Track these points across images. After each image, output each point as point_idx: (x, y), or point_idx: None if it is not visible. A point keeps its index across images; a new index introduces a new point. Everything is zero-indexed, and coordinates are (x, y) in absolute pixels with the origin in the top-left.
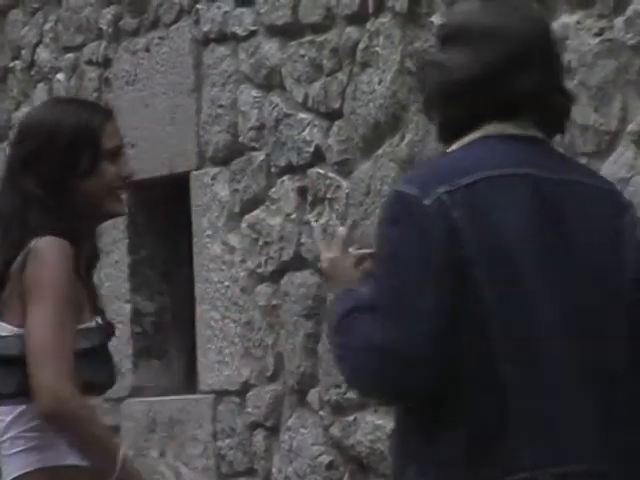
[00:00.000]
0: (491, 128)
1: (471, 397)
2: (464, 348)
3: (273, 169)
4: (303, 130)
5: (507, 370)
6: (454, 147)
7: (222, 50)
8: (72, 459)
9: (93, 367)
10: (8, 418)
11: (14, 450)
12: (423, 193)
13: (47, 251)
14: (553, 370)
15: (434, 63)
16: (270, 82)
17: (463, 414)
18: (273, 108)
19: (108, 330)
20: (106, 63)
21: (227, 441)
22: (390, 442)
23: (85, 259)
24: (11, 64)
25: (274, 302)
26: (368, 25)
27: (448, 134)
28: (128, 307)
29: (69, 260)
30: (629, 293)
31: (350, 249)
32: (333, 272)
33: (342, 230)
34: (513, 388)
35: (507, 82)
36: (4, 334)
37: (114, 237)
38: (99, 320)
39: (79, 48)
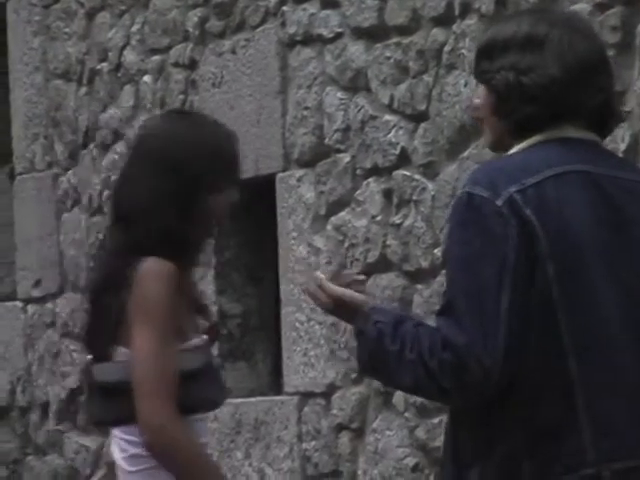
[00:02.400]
0: (552, 132)
1: (535, 393)
2: (532, 344)
3: (358, 171)
4: (389, 132)
5: (572, 366)
6: (515, 150)
7: (308, 52)
8: None
9: (201, 387)
10: (130, 437)
11: (135, 468)
12: (494, 194)
13: (151, 276)
14: (617, 366)
15: (508, 65)
16: (356, 84)
17: (527, 410)
18: (359, 110)
19: (212, 334)
20: (192, 65)
21: (312, 443)
22: (444, 439)
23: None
24: (98, 66)
25: None
26: (454, 27)
27: (517, 135)
28: (214, 309)
29: (173, 283)
30: None
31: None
32: (334, 311)
33: (319, 274)
34: (578, 384)
35: (581, 88)
36: (123, 359)
37: None
38: (203, 337)
39: (165, 50)
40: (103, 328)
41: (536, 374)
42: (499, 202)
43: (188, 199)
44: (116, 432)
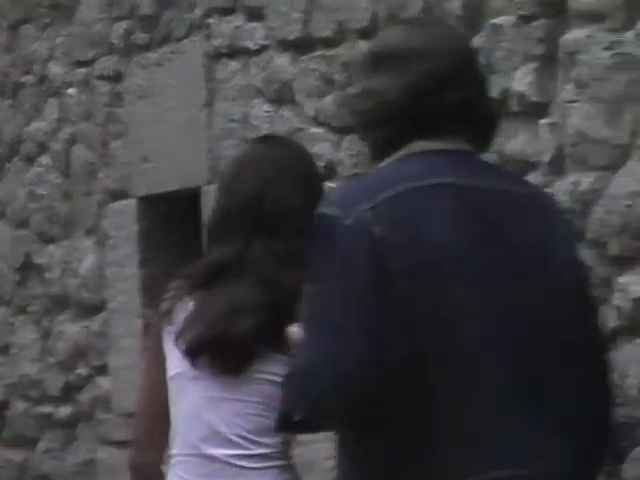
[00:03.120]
0: (417, 145)
1: (401, 410)
2: (393, 363)
3: None
4: (315, 144)
5: (436, 380)
6: (382, 165)
7: (234, 64)
8: None
9: None
10: (260, 439)
11: (261, 465)
12: (345, 213)
13: None
14: (481, 379)
15: (363, 89)
16: (281, 96)
17: (395, 427)
18: (284, 122)
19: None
20: (118, 78)
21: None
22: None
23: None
24: (22, 79)
25: None
26: None
27: (379, 155)
28: (140, 322)
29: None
30: (562, 291)
31: None
32: None
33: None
34: (442, 398)
35: (430, 101)
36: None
37: (126, 252)
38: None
39: (91, 63)
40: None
41: (401, 391)
42: (348, 221)
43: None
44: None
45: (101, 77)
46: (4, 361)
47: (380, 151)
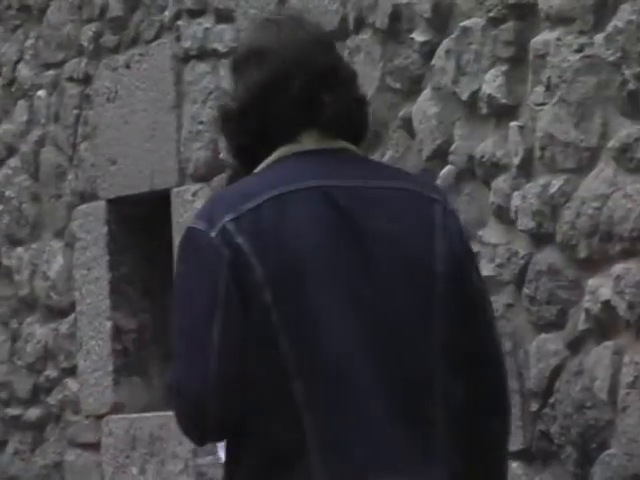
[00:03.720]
0: (285, 149)
1: (266, 420)
2: (256, 375)
3: None
4: None
5: (298, 389)
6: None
7: (203, 67)
8: None
9: None
10: None
11: None
12: (210, 226)
13: None
14: (348, 386)
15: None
16: None
17: (260, 438)
18: None
19: None
20: (87, 80)
21: (208, 458)
22: None
23: None
24: None
25: None
26: (348, 42)
27: (246, 162)
28: (109, 324)
29: None
30: (441, 286)
31: None
32: None
33: None
34: (305, 407)
35: (276, 96)
36: None
37: (94, 254)
38: None
39: (60, 65)
40: None
41: (264, 402)
42: (213, 233)
43: None
44: None
45: (70, 79)
46: None
47: (249, 158)
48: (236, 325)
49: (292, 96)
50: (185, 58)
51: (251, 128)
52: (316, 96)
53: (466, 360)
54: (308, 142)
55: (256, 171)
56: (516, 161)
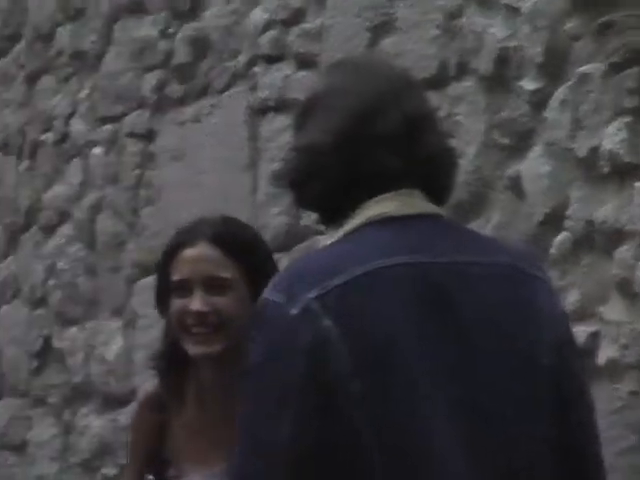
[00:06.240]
0: (370, 212)
1: None
2: (335, 470)
3: None
4: None
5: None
6: (334, 239)
7: (282, 119)
8: None
9: None
10: None
11: None
12: (290, 300)
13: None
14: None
15: (291, 148)
16: None
17: None
18: None
19: None
20: (149, 136)
21: None
22: None
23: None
24: (41, 137)
25: None
26: (449, 90)
27: (329, 222)
28: None
29: (141, 409)
30: (545, 378)
31: None
32: None
33: None
34: None
35: (366, 148)
36: None
37: (159, 334)
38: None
39: (118, 119)
40: None
41: None
42: (294, 311)
43: None
44: None
45: (130, 135)
46: (19, 461)
47: (332, 217)
48: (314, 419)
49: (387, 134)
50: (261, 110)
51: (331, 170)
52: (415, 136)
53: (564, 455)
54: (394, 204)
55: (339, 235)
56: None
